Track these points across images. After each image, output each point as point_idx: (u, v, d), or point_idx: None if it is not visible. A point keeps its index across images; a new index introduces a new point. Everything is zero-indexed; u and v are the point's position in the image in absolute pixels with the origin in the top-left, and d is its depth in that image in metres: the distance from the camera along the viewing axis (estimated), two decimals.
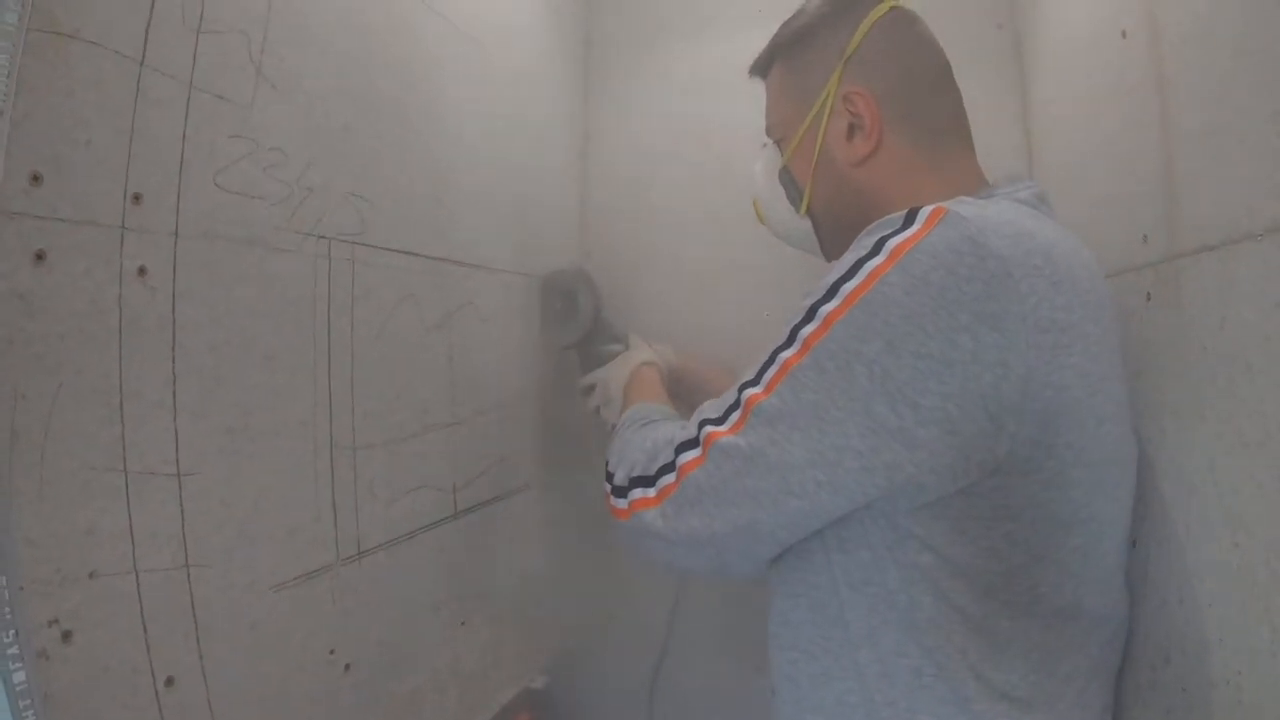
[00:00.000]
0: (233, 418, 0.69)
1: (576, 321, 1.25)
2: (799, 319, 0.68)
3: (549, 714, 1.24)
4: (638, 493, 0.76)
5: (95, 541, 0.56)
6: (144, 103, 0.61)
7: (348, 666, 0.82)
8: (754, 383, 0.70)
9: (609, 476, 0.82)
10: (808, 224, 0.90)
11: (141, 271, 0.61)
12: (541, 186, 1.36)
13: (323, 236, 0.80)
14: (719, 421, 0.71)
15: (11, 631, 0.48)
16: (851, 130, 0.80)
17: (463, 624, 1.07)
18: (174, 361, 0.63)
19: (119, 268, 0.59)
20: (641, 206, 1.49)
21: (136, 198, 0.60)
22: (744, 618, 0.89)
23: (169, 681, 0.61)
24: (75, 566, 0.54)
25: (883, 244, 0.63)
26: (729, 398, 0.72)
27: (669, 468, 0.74)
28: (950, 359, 0.60)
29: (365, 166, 0.87)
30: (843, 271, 0.65)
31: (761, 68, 0.93)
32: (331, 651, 0.80)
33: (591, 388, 1.20)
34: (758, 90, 0.95)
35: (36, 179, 0.54)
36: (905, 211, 0.65)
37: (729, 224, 1.38)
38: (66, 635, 0.53)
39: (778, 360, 0.68)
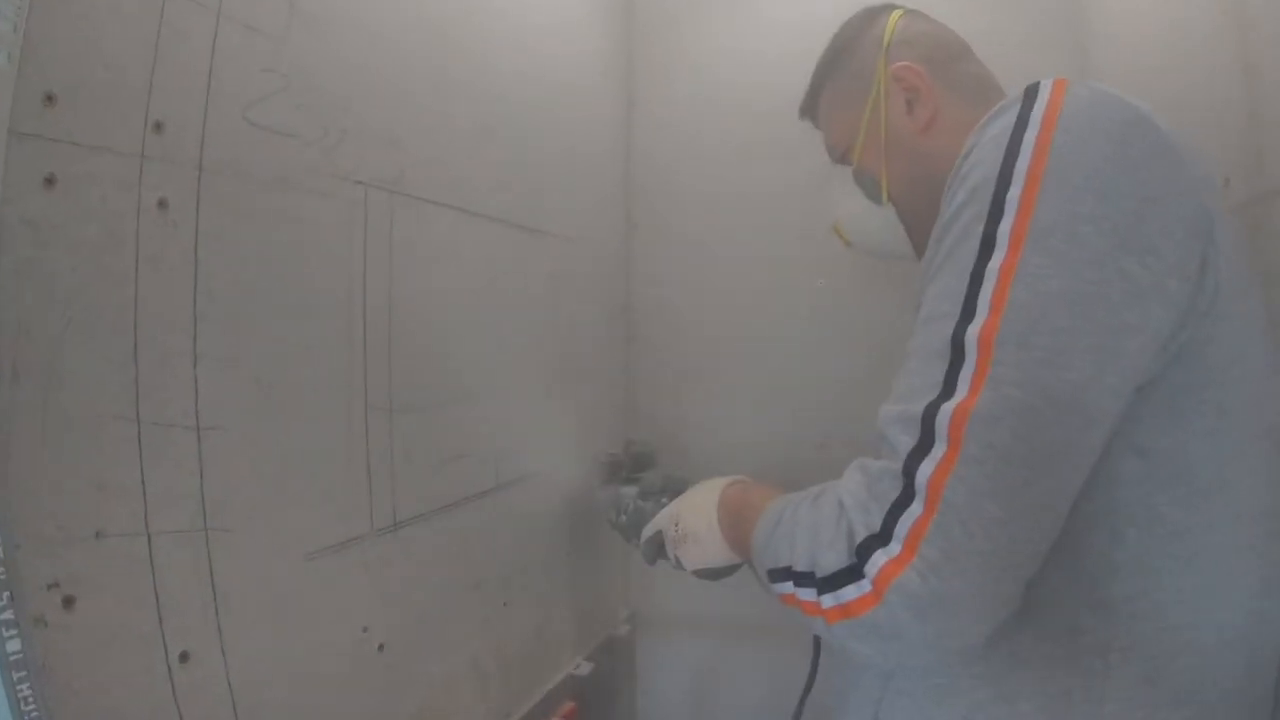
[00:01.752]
0: (260, 369, 0.63)
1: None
2: (980, 223, 0.56)
3: (594, 702, 1.18)
4: (879, 557, 0.54)
5: (103, 498, 0.51)
6: (168, 29, 0.57)
7: (381, 646, 0.77)
8: (966, 315, 0.54)
9: (802, 577, 0.60)
10: (892, 220, 0.89)
11: (162, 204, 0.56)
12: (587, 151, 1.30)
13: (359, 182, 0.74)
14: (946, 394, 0.53)
15: (5, 594, 0.43)
16: (910, 104, 0.83)
17: (505, 604, 1.01)
18: (195, 303, 0.58)
19: (137, 199, 0.54)
20: (686, 174, 1.44)
21: (158, 126, 0.56)
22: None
23: (183, 656, 0.56)
24: (80, 524, 0.49)
25: (1027, 119, 0.58)
26: (930, 363, 0.55)
27: (907, 496, 0.54)
28: (1153, 195, 0.55)
29: (403, 114, 0.81)
30: (999, 161, 0.57)
31: (810, 103, 0.97)
32: (364, 629, 0.75)
33: (656, 540, 0.98)
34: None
35: (50, 99, 0.50)
36: (1020, 93, 0.61)
37: (773, 192, 1.35)
38: (68, 601, 0.48)
39: (987, 273, 0.54)
